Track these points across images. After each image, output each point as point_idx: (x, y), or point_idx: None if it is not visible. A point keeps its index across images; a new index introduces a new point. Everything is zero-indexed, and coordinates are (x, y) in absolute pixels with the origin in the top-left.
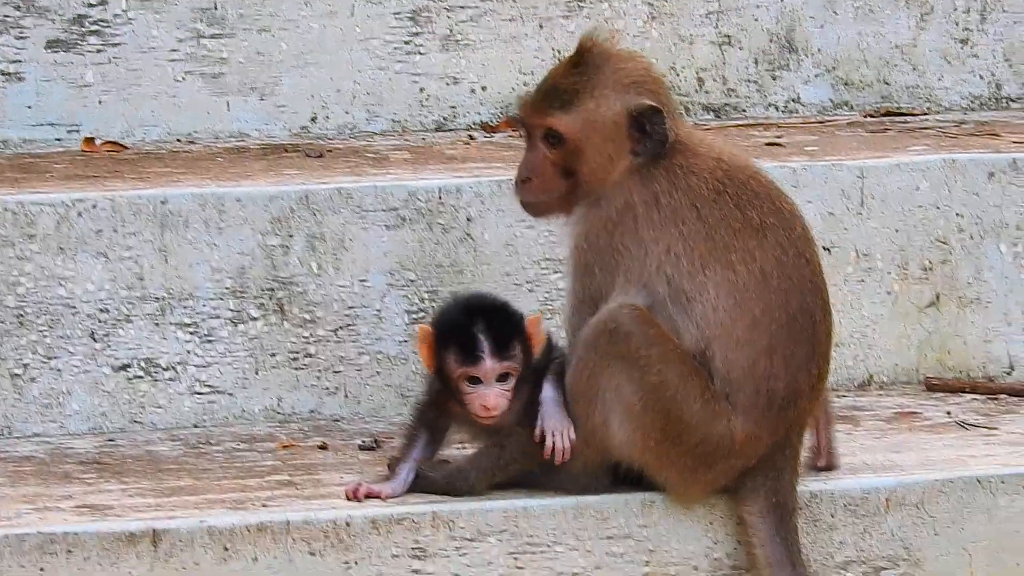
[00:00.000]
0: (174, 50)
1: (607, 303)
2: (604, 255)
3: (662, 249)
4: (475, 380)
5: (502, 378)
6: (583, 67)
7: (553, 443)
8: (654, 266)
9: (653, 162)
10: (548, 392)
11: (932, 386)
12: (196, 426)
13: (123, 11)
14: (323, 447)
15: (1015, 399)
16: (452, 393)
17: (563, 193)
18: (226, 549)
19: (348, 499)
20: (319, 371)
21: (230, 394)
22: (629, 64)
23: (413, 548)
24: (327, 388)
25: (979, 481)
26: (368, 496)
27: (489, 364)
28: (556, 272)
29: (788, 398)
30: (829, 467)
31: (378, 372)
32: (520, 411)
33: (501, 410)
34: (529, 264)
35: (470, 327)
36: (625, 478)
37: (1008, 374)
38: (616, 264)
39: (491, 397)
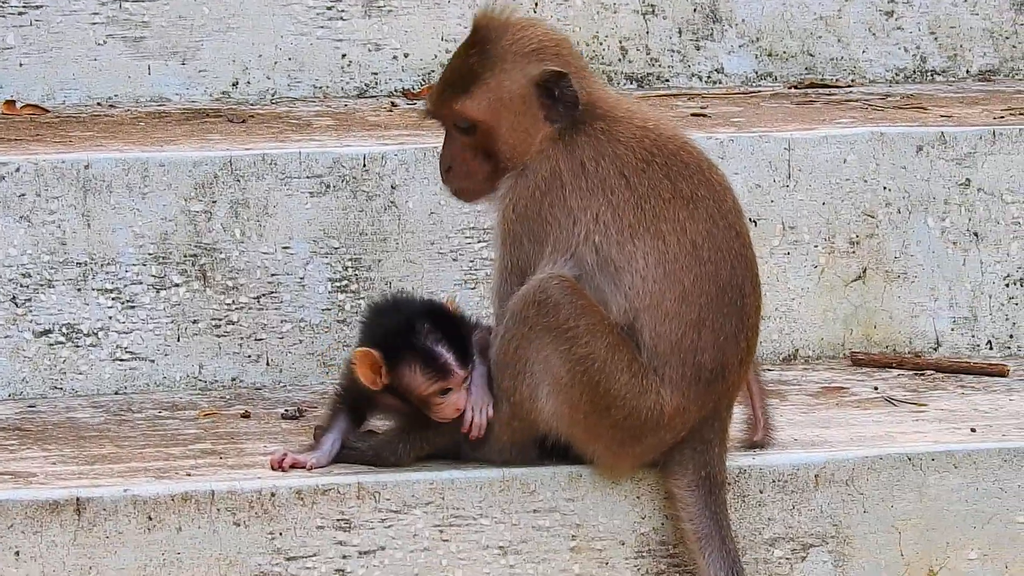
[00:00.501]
0: (96, 13)
1: (535, 274)
2: (533, 224)
3: (590, 217)
4: (445, 391)
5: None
6: (479, 46)
7: (472, 417)
8: (582, 235)
9: (575, 128)
10: (475, 371)
11: (858, 361)
12: (117, 393)
13: None
14: (246, 415)
15: (942, 375)
16: (413, 404)
17: (487, 174)
18: (150, 519)
19: (273, 469)
20: (241, 338)
21: (151, 361)
22: (527, 32)
23: (338, 519)
24: (249, 356)
25: (909, 458)
26: (293, 466)
27: (460, 375)
28: (480, 241)
29: (716, 371)
30: (765, 441)
31: (300, 340)
32: None
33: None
34: (453, 233)
35: (432, 345)
36: (552, 451)
37: (934, 349)
38: (545, 234)
39: (462, 400)
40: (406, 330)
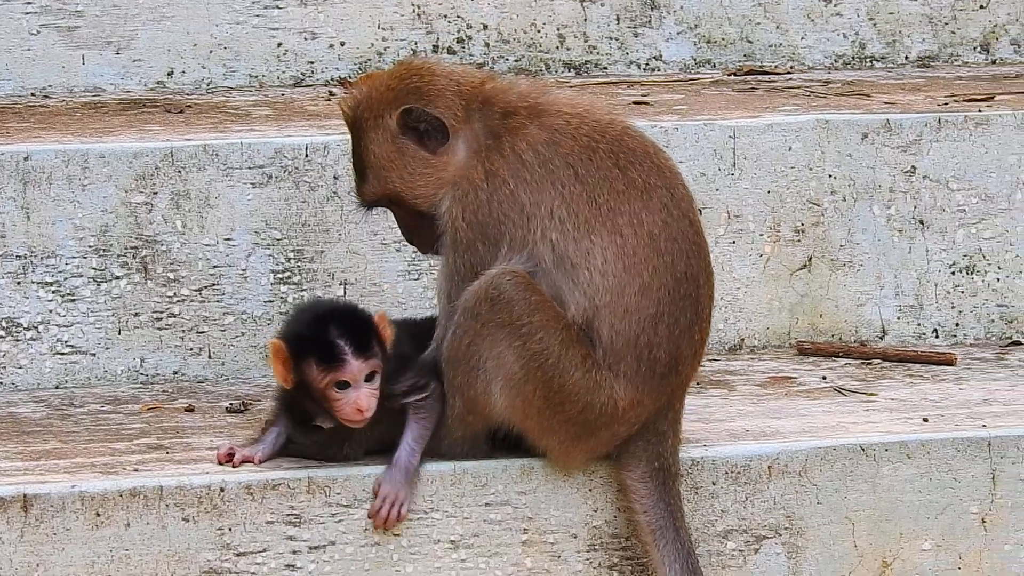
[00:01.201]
0: (29, 3)
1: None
2: (485, 228)
3: (544, 213)
4: (343, 385)
5: (369, 378)
6: (352, 130)
7: (379, 509)
8: (539, 232)
9: (498, 130)
10: (403, 449)
11: (804, 350)
12: (58, 387)
13: None
14: (190, 409)
15: (890, 364)
16: (318, 405)
17: (432, 225)
18: (98, 515)
19: (220, 463)
20: (183, 331)
21: (92, 354)
22: (377, 87)
23: (288, 514)
24: (191, 349)
25: (862, 449)
26: (242, 461)
27: (355, 365)
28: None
29: (671, 365)
30: None
31: (243, 333)
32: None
33: (372, 411)
34: (395, 224)
35: (326, 333)
36: (503, 442)
37: (880, 338)
38: (500, 234)
39: (363, 398)
40: (307, 323)
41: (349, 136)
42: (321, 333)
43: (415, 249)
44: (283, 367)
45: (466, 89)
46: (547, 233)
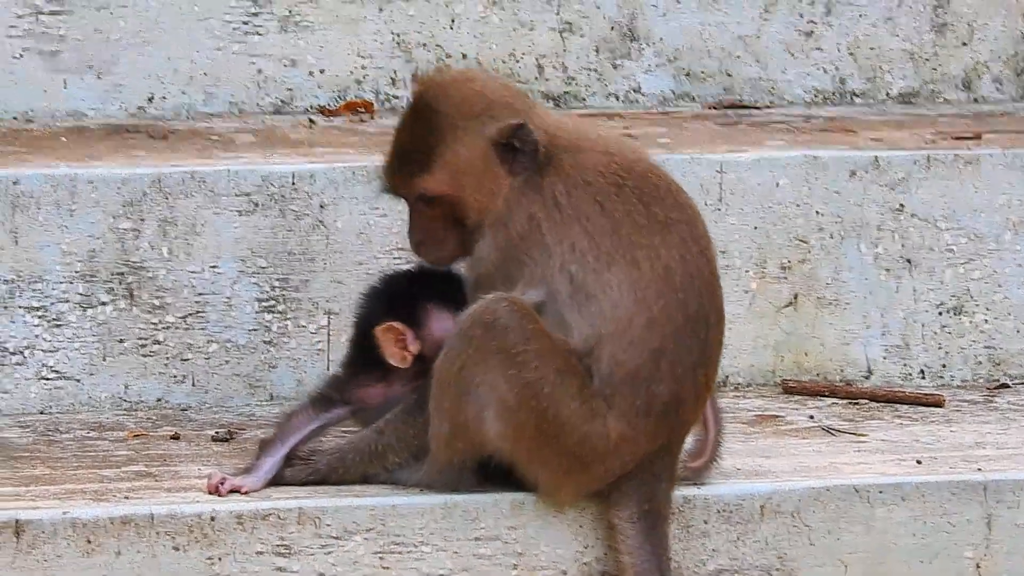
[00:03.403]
0: (12, 26)
1: None
2: (510, 269)
3: (567, 248)
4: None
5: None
6: (426, 117)
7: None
8: (557, 265)
9: (543, 168)
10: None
11: (789, 389)
12: (43, 412)
13: None
14: (176, 437)
15: (877, 404)
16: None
17: (458, 238)
18: (89, 542)
19: (211, 493)
20: (167, 358)
21: (77, 380)
22: (469, 89)
23: (278, 545)
24: (175, 376)
25: (856, 490)
26: (231, 491)
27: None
28: (410, 261)
29: (670, 404)
30: (707, 467)
31: (227, 361)
32: (400, 401)
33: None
34: (382, 253)
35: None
36: (493, 474)
37: (866, 378)
38: (520, 273)
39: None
40: (410, 289)
41: (408, 116)
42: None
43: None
44: (399, 346)
45: (536, 115)
46: (566, 265)
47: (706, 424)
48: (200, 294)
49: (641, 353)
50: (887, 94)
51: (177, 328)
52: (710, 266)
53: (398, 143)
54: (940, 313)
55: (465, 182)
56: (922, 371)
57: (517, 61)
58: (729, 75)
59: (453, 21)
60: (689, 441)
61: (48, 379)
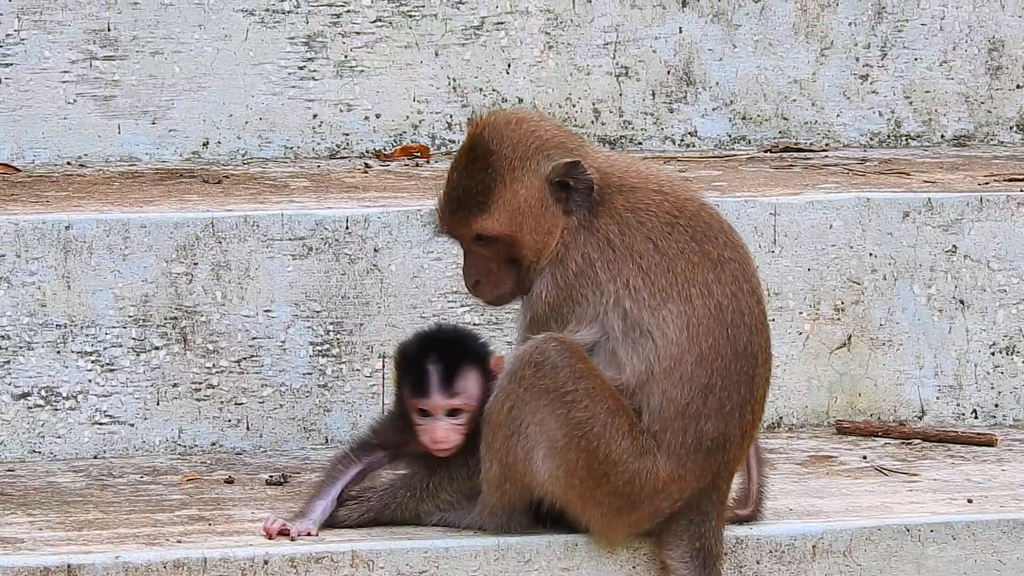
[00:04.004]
0: (66, 71)
1: None
2: (563, 309)
3: (620, 285)
4: (425, 413)
5: (453, 413)
6: (482, 158)
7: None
8: (611, 302)
9: (597, 208)
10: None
11: (843, 429)
12: (96, 457)
13: (15, 31)
14: (230, 481)
15: (930, 444)
16: (407, 422)
17: (515, 278)
18: None
19: (269, 538)
20: (221, 403)
21: (131, 424)
22: (523, 129)
23: None
24: (229, 420)
25: (907, 529)
26: (281, 533)
27: (437, 399)
28: (464, 305)
29: (718, 441)
30: (752, 516)
31: (281, 405)
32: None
33: (451, 444)
34: (436, 297)
35: (423, 360)
36: (545, 517)
37: (919, 418)
38: (571, 313)
39: (439, 431)
40: (414, 343)
41: (464, 156)
42: (418, 359)
43: (468, 294)
44: (393, 380)
45: (589, 154)
46: (620, 302)
47: (749, 470)
48: (254, 338)
49: (691, 389)
50: (942, 136)
51: (231, 372)
52: (760, 305)
53: (453, 184)
54: (992, 353)
55: (522, 222)
56: (975, 411)
57: (573, 105)
58: (785, 119)
59: (509, 66)
60: (734, 488)
61: (102, 424)
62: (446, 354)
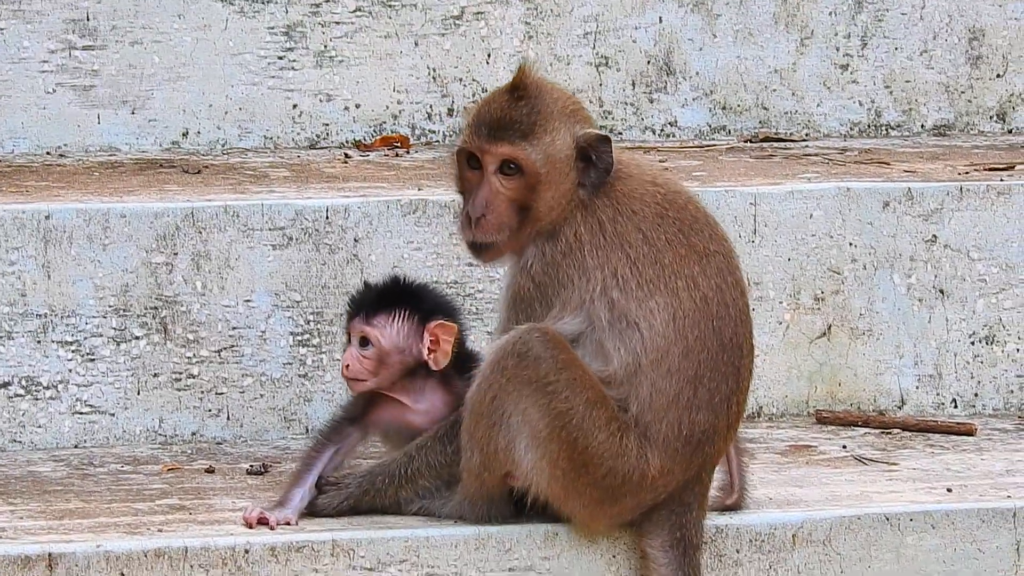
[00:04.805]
0: (45, 61)
1: None
2: (548, 289)
3: (608, 273)
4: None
5: (365, 344)
6: (528, 98)
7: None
8: (597, 290)
9: (595, 192)
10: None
11: (823, 419)
12: (77, 446)
13: None
14: (210, 471)
15: (909, 433)
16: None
17: (515, 230)
18: (123, 575)
19: (250, 527)
20: (202, 392)
21: (112, 414)
22: (560, 94)
23: None
24: (209, 410)
25: (887, 518)
26: (265, 523)
27: (355, 322)
28: (446, 294)
29: (707, 432)
30: (737, 505)
31: (261, 395)
32: (434, 421)
33: (353, 374)
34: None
35: (365, 288)
36: (527, 507)
37: (899, 407)
38: (556, 295)
39: (346, 355)
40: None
41: (510, 90)
42: (364, 288)
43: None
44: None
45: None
46: (607, 291)
47: (729, 459)
48: (234, 328)
49: (679, 381)
50: (922, 126)
51: (211, 362)
52: (744, 298)
53: (496, 109)
54: (972, 343)
55: (551, 169)
56: (954, 400)
57: None
58: (765, 108)
59: (489, 56)
60: (715, 478)
61: (82, 413)
62: (386, 291)
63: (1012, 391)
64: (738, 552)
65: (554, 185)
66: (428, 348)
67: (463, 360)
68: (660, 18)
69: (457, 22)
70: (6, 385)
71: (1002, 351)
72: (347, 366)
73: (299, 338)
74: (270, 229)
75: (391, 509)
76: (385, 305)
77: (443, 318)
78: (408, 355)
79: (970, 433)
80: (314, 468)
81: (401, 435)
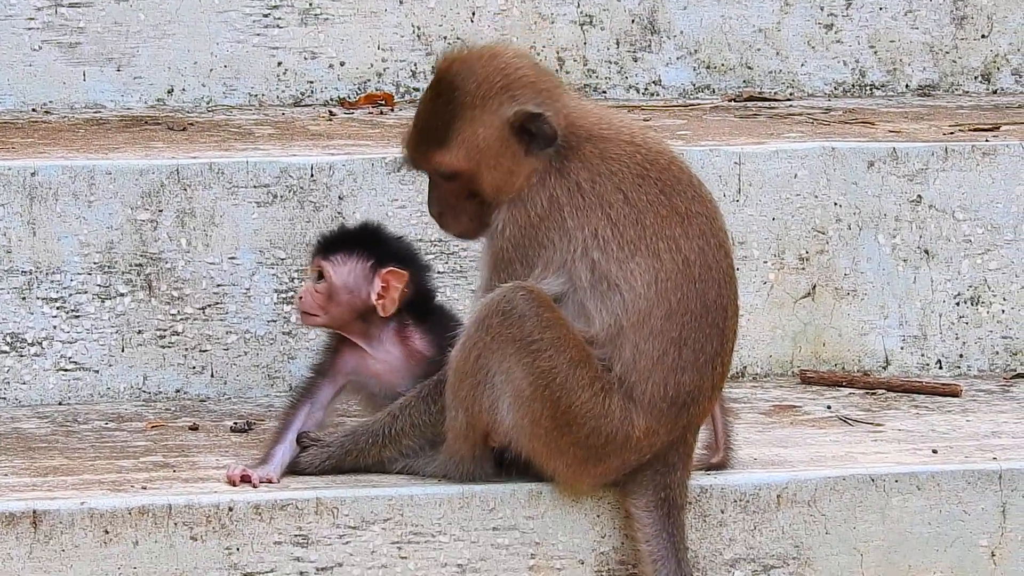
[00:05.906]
0: (31, 18)
1: None
2: (528, 251)
3: (588, 234)
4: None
5: (320, 278)
6: (446, 93)
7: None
8: (579, 251)
9: (566, 153)
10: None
11: (807, 379)
12: (61, 403)
13: None
14: (194, 428)
15: (894, 394)
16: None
17: (478, 212)
18: (107, 532)
19: (232, 484)
20: (186, 350)
21: (96, 371)
22: (492, 67)
23: (296, 535)
24: (193, 367)
25: (872, 479)
26: (248, 480)
27: (315, 257)
28: (429, 253)
29: (692, 394)
30: (723, 463)
31: (245, 352)
32: (413, 380)
33: (305, 307)
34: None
35: (337, 229)
36: (510, 465)
37: (883, 368)
38: (538, 256)
39: (300, 289)
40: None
41: (430, 90)
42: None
43: (432, 222)
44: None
45: (560, 99)
46: (588, 252)
47: (714, 418)
48: (219, 285)
49: (662, 342)
50: (906, 86)
51: (196, 319)
52: (728, 259)
53: (419, 117)
54: (957, 303)
55: (480, 159)
56: (939, 361)
57: (538, 54)
58: (749, 68)
59: (474, 14)
60: (700, 437)
61: (66, 370)
62: (351, 232)
63: (997, 352)
64: (722, 512)
65: (493, 168)
66: (378, 293)
67: (425, 313)
68: None
69: None
70: None
71: (987, 312)
72: (300, 298)
73: (283, 295)
74: (255, 186)
75: (375, 468)
76: (346, 244)
77: (398, 266)
78: (357, 296)
79: (955, 394)
80: (293, 425)
81: (370, 389)
